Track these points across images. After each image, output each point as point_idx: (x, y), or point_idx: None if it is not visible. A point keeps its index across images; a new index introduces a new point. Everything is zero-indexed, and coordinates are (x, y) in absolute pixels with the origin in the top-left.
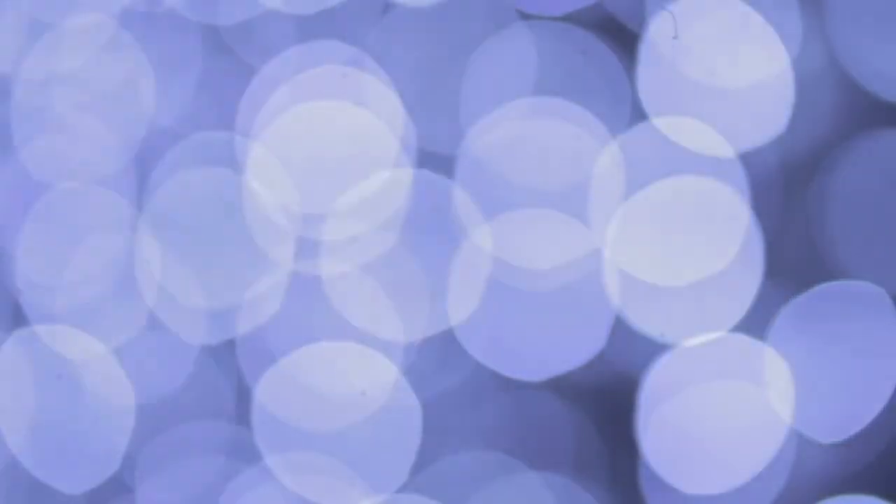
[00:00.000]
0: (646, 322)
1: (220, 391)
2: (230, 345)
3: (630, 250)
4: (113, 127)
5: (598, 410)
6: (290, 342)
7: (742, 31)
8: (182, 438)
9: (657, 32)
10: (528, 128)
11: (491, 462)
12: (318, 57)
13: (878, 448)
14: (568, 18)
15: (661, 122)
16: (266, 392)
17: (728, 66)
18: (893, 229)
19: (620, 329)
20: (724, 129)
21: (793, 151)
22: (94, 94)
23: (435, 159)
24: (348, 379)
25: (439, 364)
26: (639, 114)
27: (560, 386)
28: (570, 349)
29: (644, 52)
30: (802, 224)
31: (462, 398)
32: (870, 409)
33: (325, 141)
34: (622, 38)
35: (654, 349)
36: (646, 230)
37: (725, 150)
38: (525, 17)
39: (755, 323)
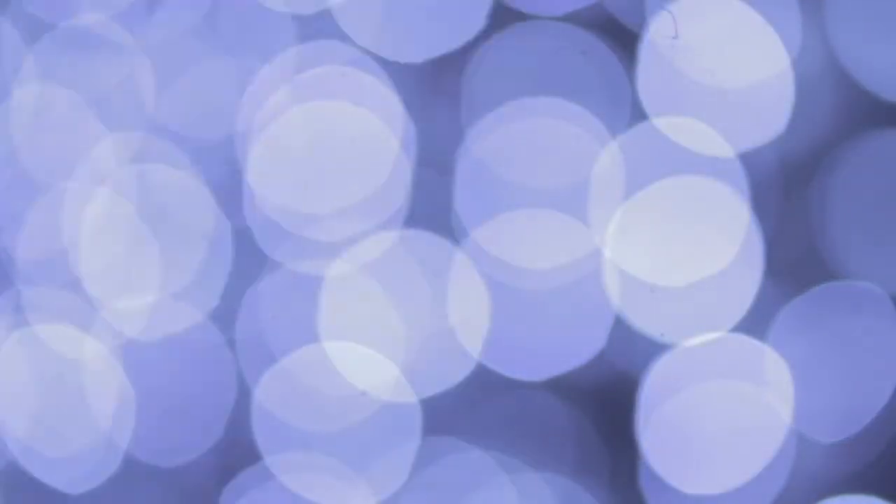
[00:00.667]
0: (646, 322)
1: (220, 391)
2: (230, 345)
3: (630, 250)
4: (113, 127)
5: (598, 410)
6: (290, 342)
7: (742, 31)
8: (182, 438)
9: (657, 32)
10: (528, 128)
11: (491, 462)
12: (318, 57)
13: (878, 448)
14: (568, 18)
15: (661, 122)
16: (266, 392)
17: (728, 66)
18: (893, 229)
19: (620, 329)
20: (724, 129)
21: (793, 151)
22: (94, 94)
23: (435, 159)
24: (348, 379)
25: (439, 364)
26: (639, 114)
27: (560, 386)
28: (570, 349)
29: (644, 52)
30: (802, 224)
31: (462, 398)
32: (870, 409)
33: (325, 141)
34: (622, 38)
35: (654, 349)
36: (646, 230)
37: (725, 150)
38: (525, 17)
39: (755, 323)
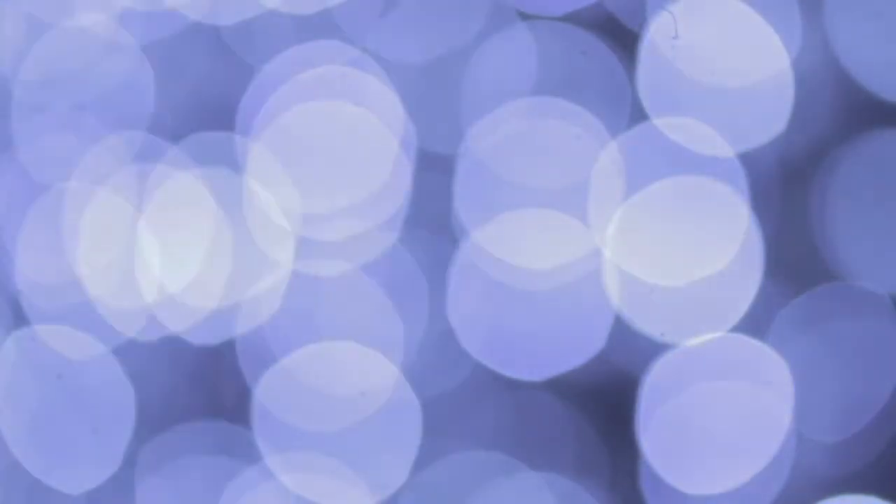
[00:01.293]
0: (646, 322)
1: (220, 391)
2: (230, 345)
3: (630, 250)
4: (113, 127)
5: (598, 410)
6: (290, 342)
7: (742, 31)
8: (182, 438)
9: (657, 32)
10: (528, 128)
11: (491, 462)
12: (318, 57)
13: (878, 448)
14: (568, 18)
15: (661, 122)
16: (266, 392)
17: (728, 66)
18: (893, 229)
19: (620, 329)
20: (724, 129)
21: (793, 151)
22: (94, 94)
23: (435, 159)
24: (348, 379)
25: (439, 364)
26: (639, 114)
27: (560, 386)
28: (570, 349)
29: (644, 52)
30: (802, 224)
31: (462, 398)
32: (870, 409)
33: (325, 141)
34: (622, 38)
35: (654, 349)
36: (646, 230)
37: (725, 150)
38: (525, 17)
39: (755, 323)
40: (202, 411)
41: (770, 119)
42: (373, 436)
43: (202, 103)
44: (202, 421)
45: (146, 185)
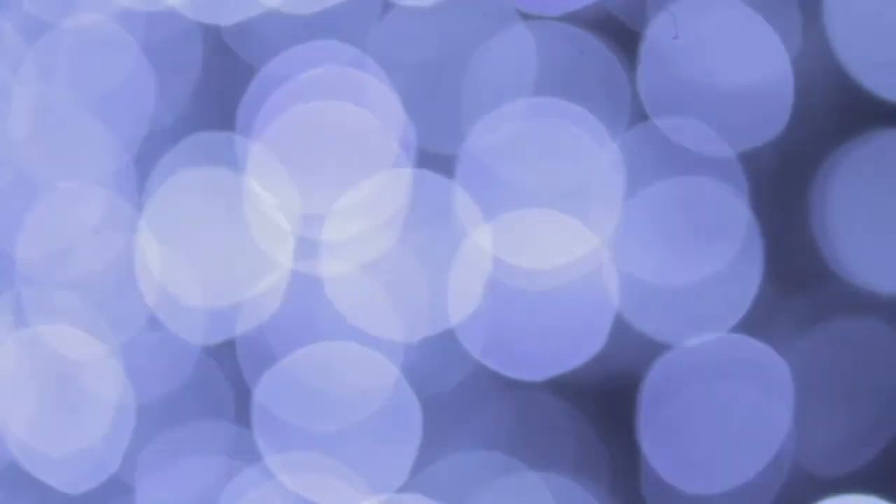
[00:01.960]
0: (646, 322)
1: (220, 391)
2: (230, 345)
3: (630, 250)
4: (113, 127)
5: (598, 410)
6: (290, 342)
7: (742, 31)
8: (182, 438)
9: (657, 32)
10: (528, 128)
11: (491, 462)
12: (318, 57)
13: (878, 448)
14: (568, 18)
15: (661, 122)
16: (266, 392)
17: (728, 66)
18: (893, 229)
19: (620, 329)
20: (724, 129)
21: (793, 151)
22: (94, 94)
23: (435, 159)
24: (348, 379)
25: (439, 364)
26: (639, 114)
27: (560, 386)
28: (570, 349)
29: (644, 52)
30: (802, 224)
31: (462, 398)
32: (870, 409)
33: (325, 141)
34: (622, 38)
35: (654, 349)
36: (646, 230)
37: (725, 150)
38: (525, 17)
39: (755, 323)
40: (202, 411)
41: (770, 119)
42: (373, 436)
43: (202, 103)
44: (202, 421)
45: (146, 185)
